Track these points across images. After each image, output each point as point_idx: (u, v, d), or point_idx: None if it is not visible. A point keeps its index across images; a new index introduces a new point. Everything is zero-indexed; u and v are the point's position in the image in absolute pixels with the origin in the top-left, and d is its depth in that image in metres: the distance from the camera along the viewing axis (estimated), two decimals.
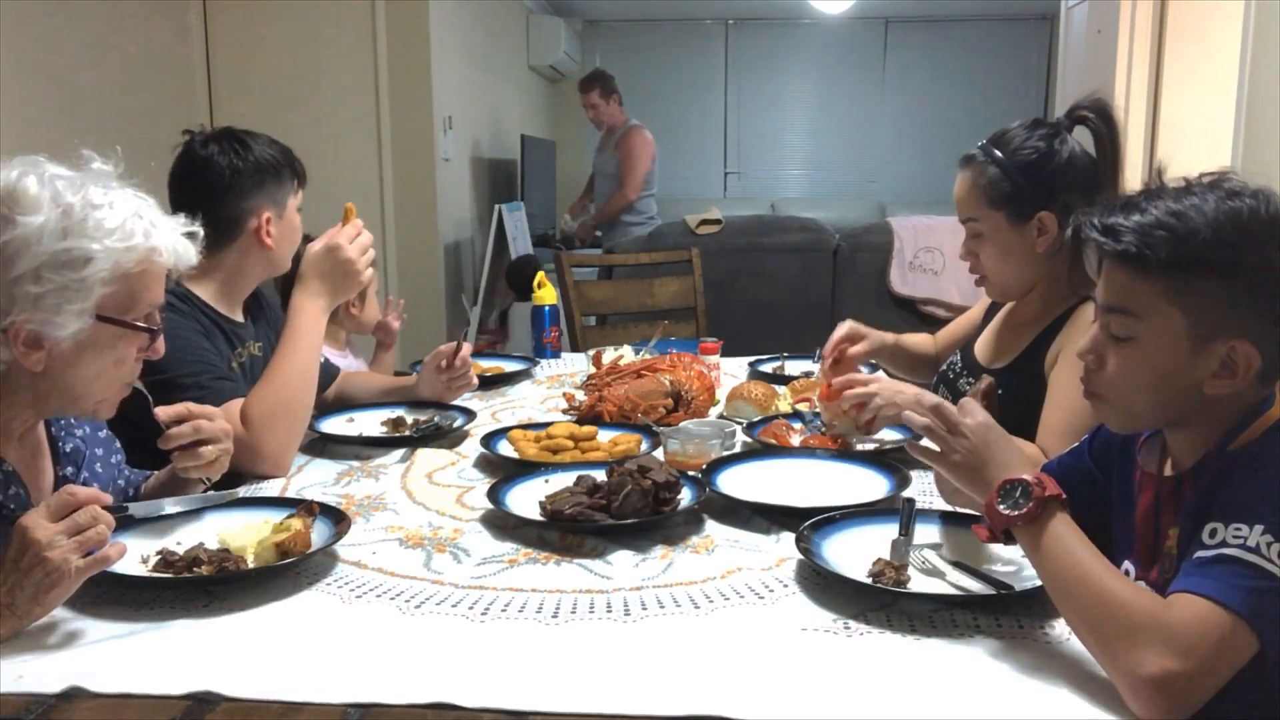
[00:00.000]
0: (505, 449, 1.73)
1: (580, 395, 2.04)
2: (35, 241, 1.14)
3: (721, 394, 2.11)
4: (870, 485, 1.52)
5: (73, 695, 0.99)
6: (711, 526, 1.43)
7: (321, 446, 1.83)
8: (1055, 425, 1.53)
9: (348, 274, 1.76)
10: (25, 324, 1.16)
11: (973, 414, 1.16)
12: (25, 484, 1.27)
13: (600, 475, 1.45)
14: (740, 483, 1.54)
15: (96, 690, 0.99)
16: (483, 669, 1.04)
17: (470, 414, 1.97)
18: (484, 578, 1.26)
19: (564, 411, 2.03)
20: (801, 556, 1.24)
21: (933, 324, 4.17)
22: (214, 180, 1.74)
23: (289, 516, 1.34)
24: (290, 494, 1.58)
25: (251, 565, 1.24)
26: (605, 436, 1.80)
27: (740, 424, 1.86)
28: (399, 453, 1.78)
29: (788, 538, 1.33)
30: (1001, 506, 1.08)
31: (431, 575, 1.27)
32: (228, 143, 1.77)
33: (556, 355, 2.69)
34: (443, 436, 1.87)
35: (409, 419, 1.94)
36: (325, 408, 2.00)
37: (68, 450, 1.36)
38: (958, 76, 8.05)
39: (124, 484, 1.49)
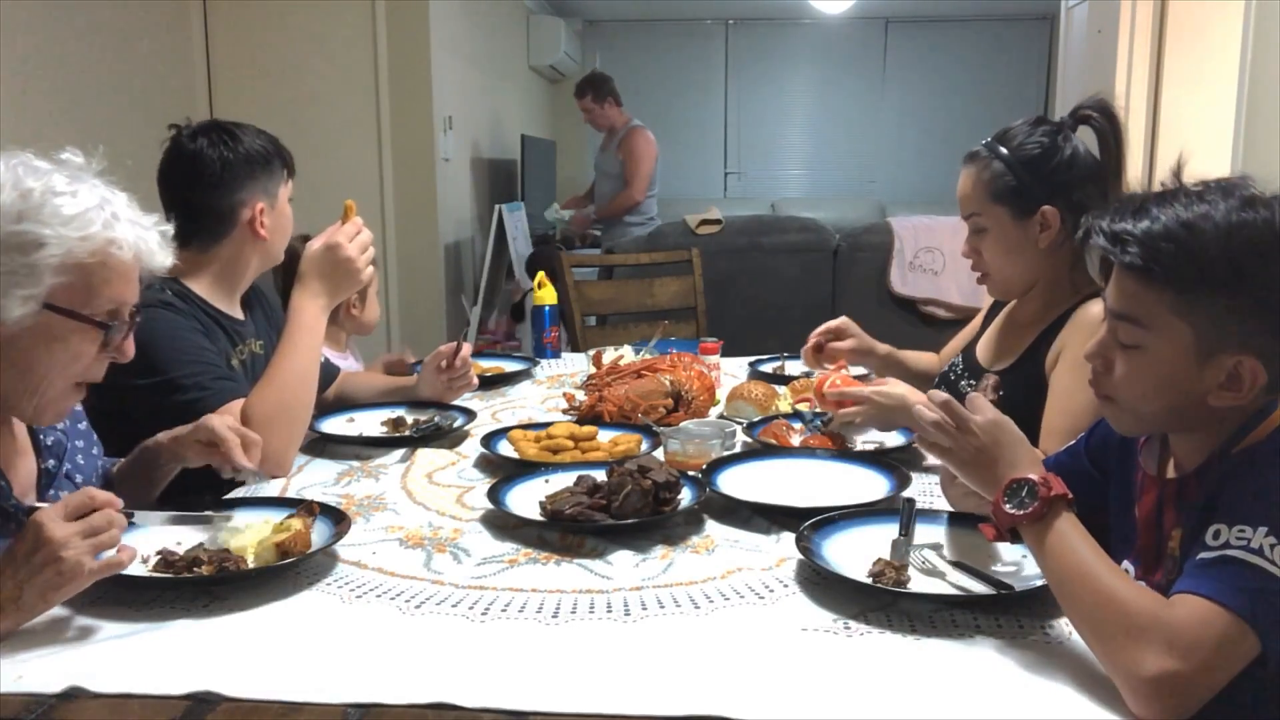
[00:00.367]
0: (505, 449, 1.74)
1: (580, 395, 2.04)
2: None
3: (721, 394, 2.11)
4: (870, 485, 1.52)
5: (73, 695, 0.99)
6: (712, 526, 1.43)
7: (322, 446, 1.83)
8: (1057, 427, 1.53)
9: (348, 272, 1.76)
10: None
11: (982, 411, 1.15)
12: (7, 477, 1.27)
13: (600, 475, 1.45)
14: (740, 483, 1.54)
15: (97, 690, 0.99)
16: (483, 669, 1.04)
17: (470, 414, 1.97)
18: (484, 578, 1.26)
19: (564, 411, 2.03)
20: (802, 556, 1.24)
21: (933, 324, 4.18)
22: (205, 173, 1.73)
23: (289, 516, 1.34)
24: (290, 494, 1.58)
25: (251, 565, 1.24)
26: (605, 436, 1.80)
27: (740, 424, 1.86)
28: (399, 453, 1.78)
29: (788, 538, 1.33)
30: (1008, 505, 1.08)
31: (432, 575, 1.27)
32: (216, 134, 1.76)
33: (556, 355, 2.69)
34: (443, 436, 1.87)
35: (409, 419, 1.94)
36: (325, 408, 2.00)
37: (49, 443, 1.35)
38: (958, 76, 8.05)
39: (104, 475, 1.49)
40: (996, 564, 1.23)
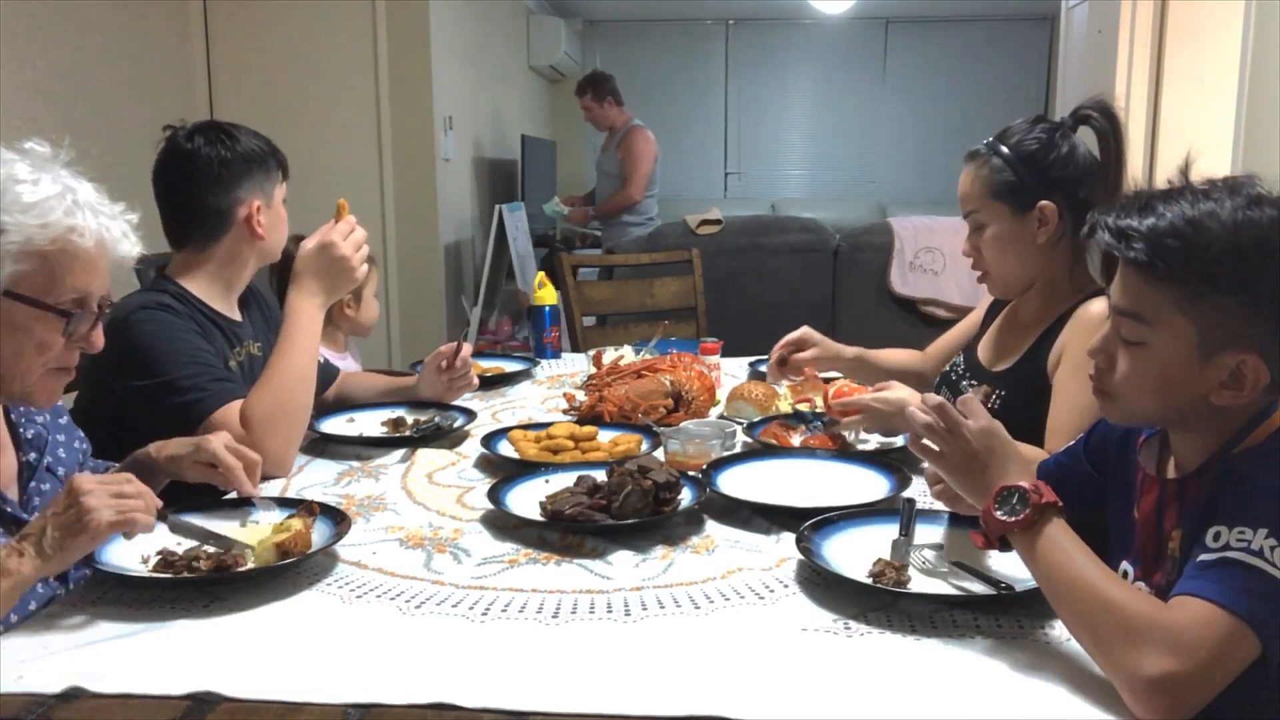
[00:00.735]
0: (505, 449, 1.73)
1: (580, 395, 2.04)
2: None
3: (722, 394, 2.11)
4: (870, 485, 1.52)
5: (73, 695, 0.99)
6: (712, 527, 1.43)
7: (322, 447, 1.83)
8: (1063, 427, 1.53)
9: (342, 270, 1.76)
10: None
11: (975, 416, 1.15)
12: None
13: (600, 475, 1.45)
14: (740, 483, 1.54)
15: (97, 690, 0.99)
16: (483, 669, 1.04)
17: (470, 414, 1.97)
18: (484, 578, 1.26)
19: (564, 412, 2.03)
20: (802, 557, 1.24)
21: (933, 324, 4.18)
22: (203, 172, 1.73)
23: (289, 516, 1.34)
24: (290, 494, 1.58)
25: (251, 565, 1.24)
26: (605, 437, 1.80)
27: (740, 424, 1.86)
28: (399, 453, 1.78)
29: (788, 538, 1.33)
30: (998, 513, 1.08)
31: (432, 575, 1.27)
32: (212, 134, 1.76)
33: (557, 355, 2.69)
34: (443, 437, 1.87)
35: (409, 419, 1.94)
36: (325, 408, 2.00)
37: (29, 437, 1.35)
38: (958, 76, 8.05)
39: (90, 473, 1.49)
40: (996, 564, 1.23)
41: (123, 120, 3.56)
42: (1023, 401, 1.65)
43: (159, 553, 1.26)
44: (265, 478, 1.63)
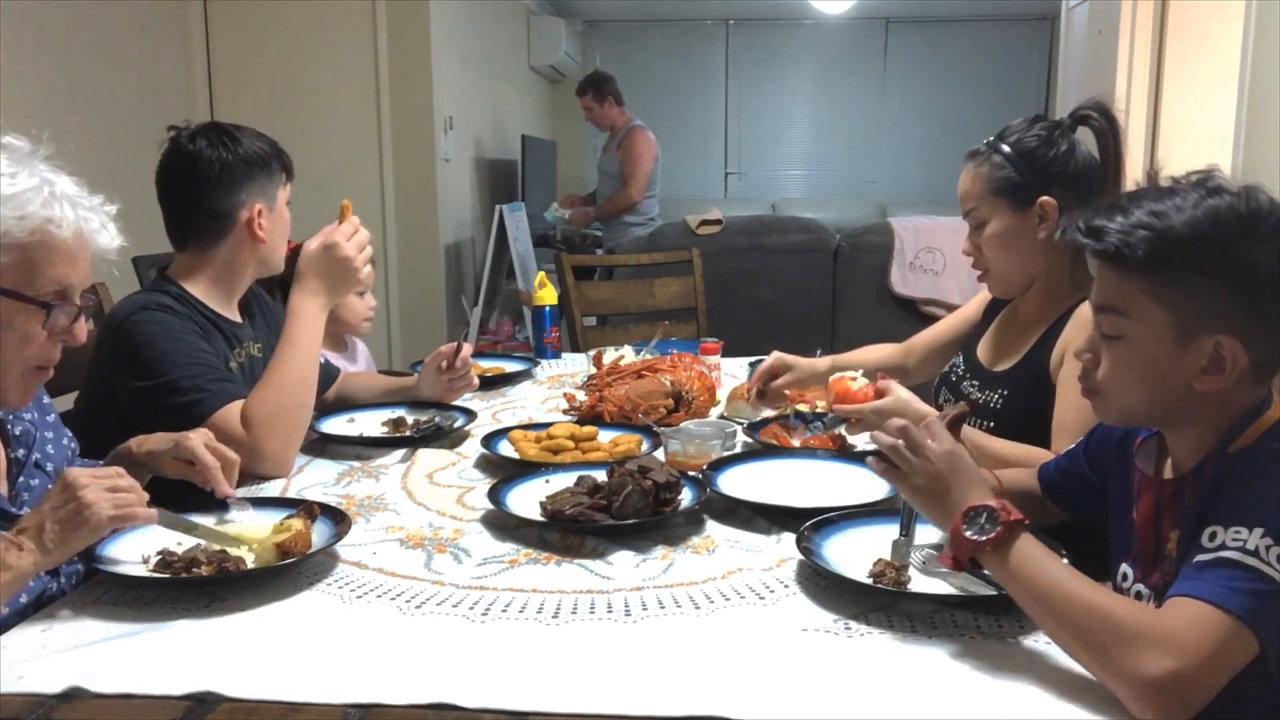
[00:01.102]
0: (506, 449, 1.74)
1: (581, 395, 2.04)
2: None
3: (722, 394, 2.11)
4: (870, 485, 1.52)
5: (73, 696, 0.99)
6: (712, 527, 1.43)
7: (322, 447, 1.83)
8: (1068, 426, 1.53)
9: (346, 271, 1.76)
10: None
11: (939, 438, 1.16)
12: None
13: (601, 476, 1.45)
14: (741, 483, 1.54)
15: (97, 691, 0.99)
16: (483, 669, 1.04)
17: (471, 414, 1.97)
18: (484, 578, 1.26)
19: (564, 412, 2.03)
20: (802, 557, 1.24)
21: (933, 324, 4.18)
22: (204, 174, 1.73)
23: (289, 517, 1.34)
24: (291, 494, 1.58)
25: (251, 565, 1.24)
26: (606, 437, 1.80)
27: (741, 424, 1.86)
28: (399, 453, 1.78)
29: (788, 538, 1.33)
30: (968, 532, 1.07)
31: (432, 575, 1.27)
32: (215, 136, 1.75)
33: (557, 355, 2.69)
34: (443, 437, 1.87)
35: (409, 419, 1.94)
36: (326, 408, 2.00)
37: (17, 433, 1.35)
38: (958, 76, 8.05)
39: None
40: None
41: (123, 121, 3.57)
42: (1025, 401, 1.65)
43: (159, 553, 1.25)
44: (265, 478, 1.64)
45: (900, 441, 1.17)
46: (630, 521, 1.36)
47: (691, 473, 1.56)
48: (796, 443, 1.78)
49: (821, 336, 4.11)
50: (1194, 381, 1.04)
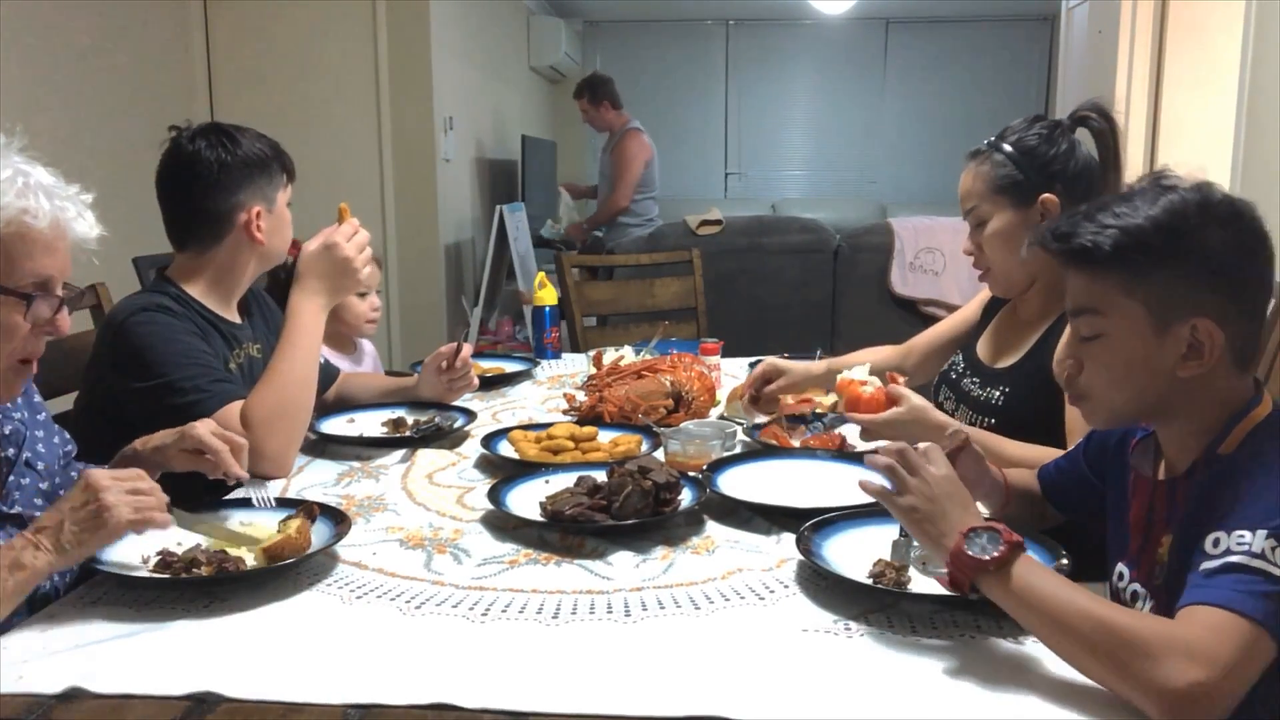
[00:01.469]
0: (506, 449, 1.74)
1: (581, 396, 2.04)
2: None
3: (722, 394, 2.11)
4: None
5: (73, 696, 0.99)
6: (712, 527, 1.43)
7: (322, 447, 1.83)
8: (1082, 426, 1.52)
9: (346, 271, 1.76)
10: None
11: (937, 464, 1.16)
12: None
13: (601, 476, 1.45)
14: (741, 483, 1.54)
15: (97, 691, 0.99)
16: (483, 669, 1.04)
17: (471, 414, 1.97)
18: (484, 578, 1.26)
19: (564, 412, 2.03)
20: (802, 557, 1.24)
21: (933, 324, 4.18)
22: (202, 175, 1.72)
23: (289, 517, 1.34)
24: (291, 494, 1.58)
25: (251, 566, 1.24)
26: (606, 437, 1.80)
27: (741, 424, 1.86)
28: (399, 453, 1.78)
29: (788, 538, 1.33)
30: (971, 550, 1.06)
31: (432, 576, 1.27)
32: (215, 137, 1.75)
33: (557, 356, 2.69)
34: (443, 437, 1.87)
35: (409, 419, 1.94)
36: (326, 409, 2.00)
37: (7, 432, 1.35)
38: (958, 77, 8.05)
39: (75, 475, 1.48)
40: None
41: (123, 121, 3.56)
42: (1028, 398, 1.65)
43: (159, 553, 1.26)
44: (265, 478, 1.63)
45: (898, 462, 1.16)
46: (630, 522, 1.36)
47: (691, 473, 1.56)
48: (796, 443, 1.78)
49: (821, 337, 4.12)
50: (1177, 370, 1.06)
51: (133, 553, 1.26)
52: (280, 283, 2.29)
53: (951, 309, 4.17)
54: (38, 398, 1.43)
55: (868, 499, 1.44)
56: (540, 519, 1.40)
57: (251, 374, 1.81)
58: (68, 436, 1.49)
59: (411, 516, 1.49)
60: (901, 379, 1.68)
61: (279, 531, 1.29)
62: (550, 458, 1.68)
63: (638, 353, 2.28)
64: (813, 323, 4.30)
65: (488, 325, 5.03)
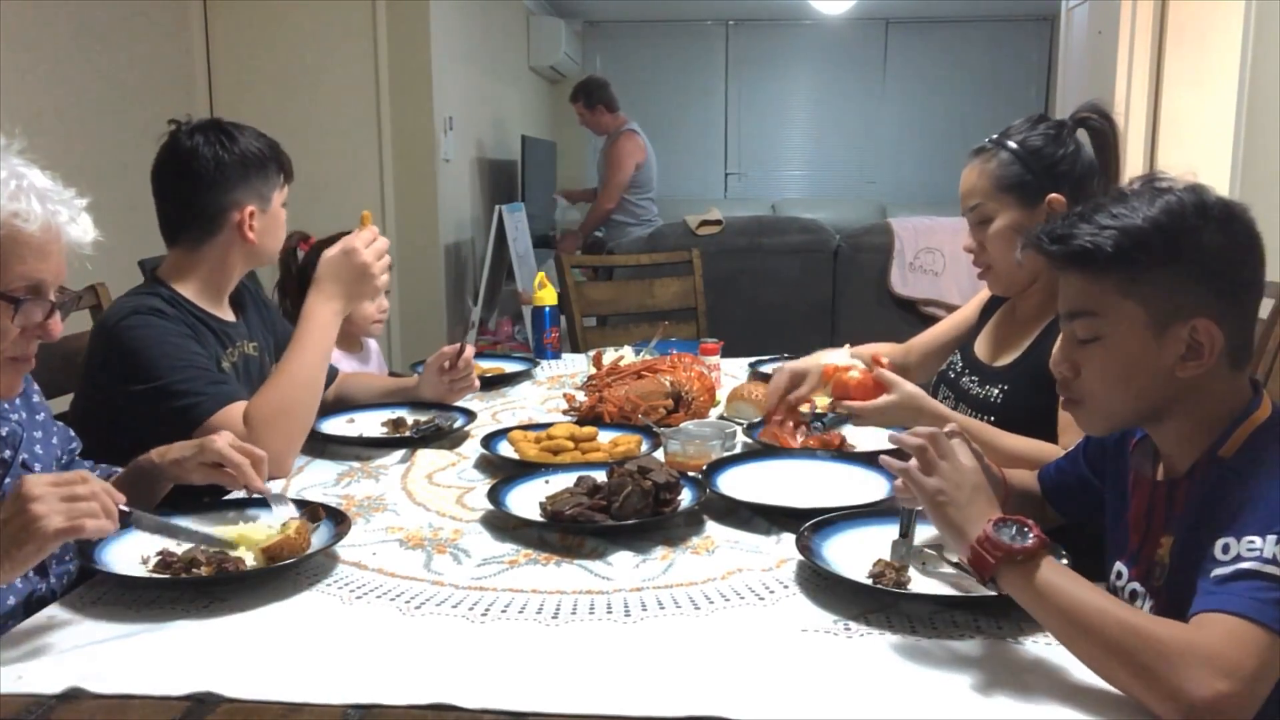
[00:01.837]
0: (505, 450, 1.74)
1: (580, 396, 2.04)
2: None
3: (722, 395, 2.11)
4: (870, 486, 1.52)
5: (73, 696, 0.99)
6: (712, 527, 1.43)
7: (322, 447, 1.83)
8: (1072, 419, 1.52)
9: (363, 277, 1.76)
10: None
11: (966, 456, 1.14)
12: None
13: (600, 476, 1.45)
14: (740, 484, 1.54)
15: (97, 691, 0.99)
16: (483, 670, 1.04)
17: (470, 415, 1.97)
18: (484, 578, 1.26)
19: (564, 412, 2.03)
20: (802, 557, 1.24)
21: (932, 325, 4.18)
22: (198, 171, 1.72)
23: (292, 518, 1.34)
24: (291, 495, 1.57)
25: (251, 566, 1.24)
26: (605, 437, 1.80)
27: (740, 425, 1.86)
28: (399, 453, 1.78)
29: (788, 539, 1.33)
30: (1002, 536, 1.04)
31: (432, 576, 1.27)
32: (213, 133, 1.75)
33: (557, 356, 2.69)
34: (443, 437, 1.87)
35: (409, 420, 1.94)
36: (325, 409, 2.00)
37: (3, 434, 1.34)
38: (958, 77, 8.05)
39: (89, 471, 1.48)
40: None
41: (123, 121, 3.56)
42: (1027, 395, 1.65)
43: (159, 553, 1.25)
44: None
45: (929, 444, 1.14)
46: (630, 522, 1.36)
47: (691, 473, 1.56)
48: (796, 443, 1.78)
49: (821, 337, 4.11)
50: (1176, 370, 1.06)
51: (132, 553, 1.26)
52: (290, 274, 2.29)
53: (951, 309, 4.17)
54: (37, 398, 1.43)
55: (868, 499, 1.45)
56: (540, 519, 1.40)
57: (247, 372, 1.81)
58: (72, 434, 1.49)
59: (411, 517, 1.49)
60: (886, 361, 1.67)
61: (279, 532, 1.29)
62: (550, 458, 1.67)
63: (637, 353, 2.28)
64: (812, 323, 4.30)
65: (487, 325, 5.03)
